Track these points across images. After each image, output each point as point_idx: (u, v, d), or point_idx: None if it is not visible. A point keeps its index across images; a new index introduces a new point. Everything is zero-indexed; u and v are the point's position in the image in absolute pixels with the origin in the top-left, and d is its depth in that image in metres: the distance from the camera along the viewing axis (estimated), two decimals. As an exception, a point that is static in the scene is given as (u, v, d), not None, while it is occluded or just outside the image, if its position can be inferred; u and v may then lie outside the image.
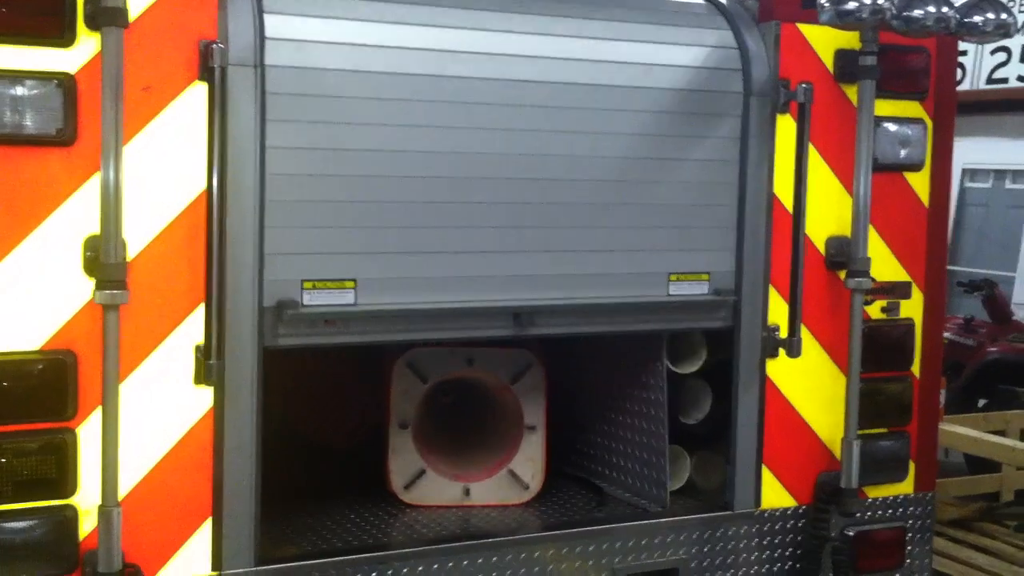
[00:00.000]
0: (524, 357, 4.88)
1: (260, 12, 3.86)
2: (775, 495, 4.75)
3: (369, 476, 5.01)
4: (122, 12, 3.49)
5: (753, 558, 4.75)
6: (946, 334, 7.00)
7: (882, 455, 4.90)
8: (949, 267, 5.17)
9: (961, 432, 8.24)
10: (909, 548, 5.00)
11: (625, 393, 4.96)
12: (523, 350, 4.89)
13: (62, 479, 3.64)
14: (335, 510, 4.75)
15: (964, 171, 14.28)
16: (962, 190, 14.45)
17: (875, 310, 4.84)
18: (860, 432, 4.72)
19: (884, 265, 4.83)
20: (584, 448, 5.28)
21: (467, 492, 4.85)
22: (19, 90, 3.51)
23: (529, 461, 4.90)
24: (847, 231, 4.70)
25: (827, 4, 4.37)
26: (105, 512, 3.61)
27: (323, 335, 4.02)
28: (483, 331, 4.34)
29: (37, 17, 3.52)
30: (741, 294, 4.61)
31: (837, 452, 4.77)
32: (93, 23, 3.53)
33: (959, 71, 4.94)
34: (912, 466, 5.01)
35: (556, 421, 5.06)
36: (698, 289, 4.57)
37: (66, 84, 3.55)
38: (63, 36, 3.54)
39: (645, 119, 4.40)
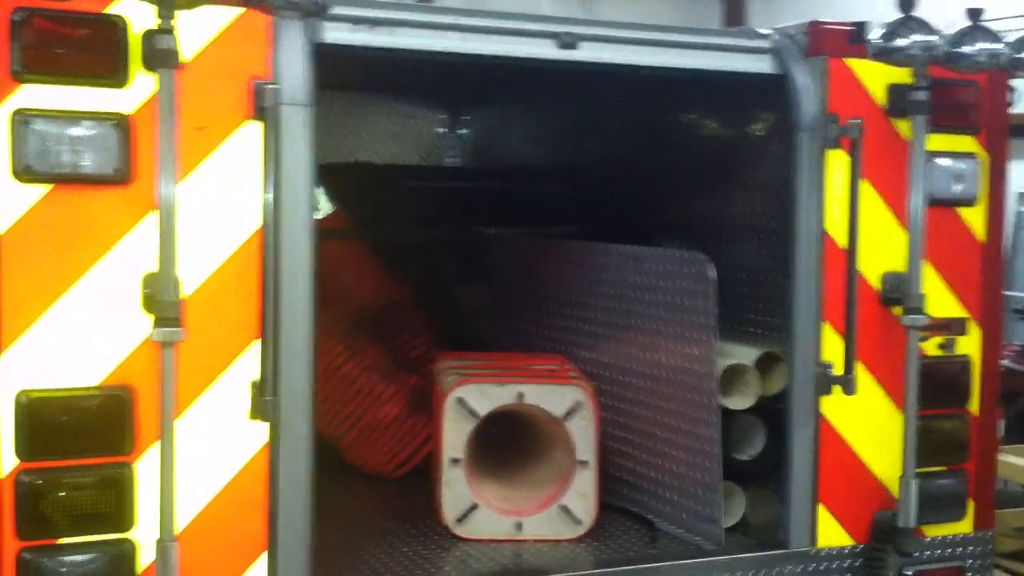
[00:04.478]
0: (576, 392, 4.88)
1: (312, 50, 3.92)
2: (831, 534, 4.70)
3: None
4: (176, 54, 3.55)
5: (808, 597, 4.71)
6: (1002, 361, 6.90)
7: (939, 493, 4.82)
8: (1004, 292, 5.10)
9: (1019, 463, 8.11)
10: (967, 588, 4.94)
11: (678, 428, 4.94)
12: (575, 386, 4.89)
13: (120, 513, 3.70)
14: (388, 543, 4.78)
15: (1020, 195, 14.09)
16: (1018, 215, 14.26)
17: (931, 346, 4.79)
18: (917, 470, 4.66)
19: (940, 301, 4.78)
20: (637, 482, 5.26)
21: (519, 527, 4.85)
22: (77, 131, 3.59)
23: (581, 496, 4.89)
24: (902, 267, 4.65)
25: (877, 41, 4.36)
26: (162, 546, 3.65)
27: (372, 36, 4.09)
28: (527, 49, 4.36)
29: (94, 59, 3.60)
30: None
31: (894, 490, 4.71)
32: (148, 64, 3.61)
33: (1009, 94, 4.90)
34: (970, 504, 4.94)
35: (607, 455, 5.05)
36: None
37: (122, 124, 3.62)
38: (119, 77, 3.62)
39: None
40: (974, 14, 4.40)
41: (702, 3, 11.61)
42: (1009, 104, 4.88)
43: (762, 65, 4.65)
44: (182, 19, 3.54)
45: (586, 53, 4.40)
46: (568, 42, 4.35)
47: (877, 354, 4.71)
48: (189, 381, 3.75)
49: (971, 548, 4.96)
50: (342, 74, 4.77)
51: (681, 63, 4.57)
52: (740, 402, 4.87)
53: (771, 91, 4.66)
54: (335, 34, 4.00)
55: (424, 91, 7.63)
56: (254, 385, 3.83)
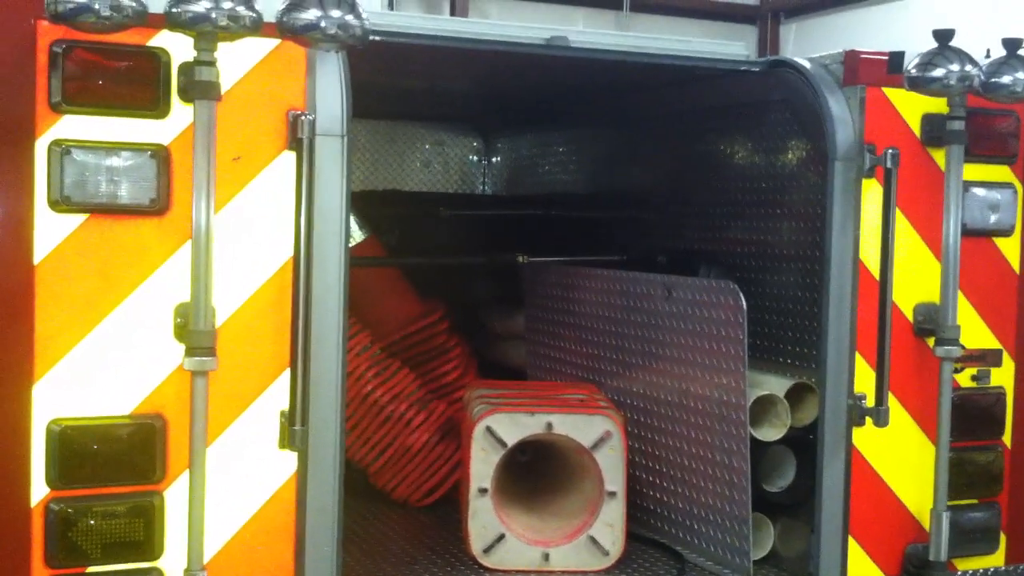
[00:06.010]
0: (605, 422, 4.85)
1: (348, 82, 3.92)
2: (861, 567, 4.65)
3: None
4: (215, 85, 3.55)
5: (838, 631, 4.66)
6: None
7: (972, 527, 4.78)
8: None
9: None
10: (1000, 623, 4.88)
11: (707, 459, 4.91)
12: (604, 416, 4.87)
13: (149, 542, 3.70)
14: (415, 573, 4.75)
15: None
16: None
17: (965, 378, 4.74)
18: (949, 503, 4.61)
19: (974, 332, 4.74)
20: (665, 513, 5.23)
21: (546, 557, 4.82)
22: (114, 161, 3.61)
23: (609, 527, 4.86)
24: (935, 297, 4.61)
25: (914, 71, 4.33)
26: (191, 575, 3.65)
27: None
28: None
29: (135, 90, 3.62)
30: None
31: (925, 523, 4.66)
32: (186, 95, 3.62)
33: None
34: (1003, 538, 4.88)
35: (636, 485, 5.02)
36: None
37: (160, 155, 3.64)
38: (159, 108, 3.64)
39: None
40: (1011, 44, 4.37)
41: (736, 29, 11.67)
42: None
43: (736, 50, 4.99)
44: (221, 51, 3.54)
45: (574, 40, 4.65)
46: (559, 35, 4.57)
47: (910, 385, 4.67)
48: (219, 410, 3.74)
49: (1003, 582, 4.92)
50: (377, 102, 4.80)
51: (656, 46, 4.92)
52: (771, 433, 4.84)
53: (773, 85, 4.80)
54: None
55: (456, 119, 7.66)
56: (283, 414, 3.83)
